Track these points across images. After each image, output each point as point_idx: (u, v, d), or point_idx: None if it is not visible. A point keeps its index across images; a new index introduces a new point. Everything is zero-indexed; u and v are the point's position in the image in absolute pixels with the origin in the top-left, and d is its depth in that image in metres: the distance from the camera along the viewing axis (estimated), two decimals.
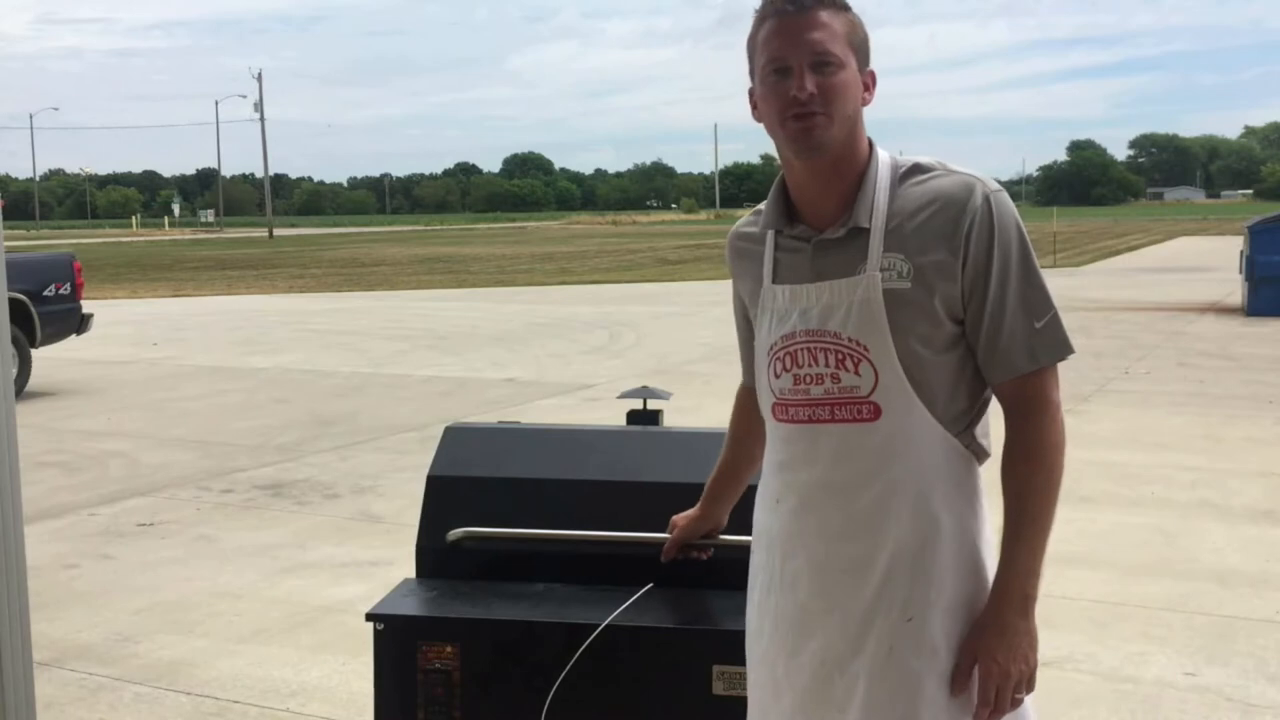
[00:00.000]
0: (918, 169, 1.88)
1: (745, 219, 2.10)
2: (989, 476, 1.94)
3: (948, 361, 1.85)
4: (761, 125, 1.92)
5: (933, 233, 1.82)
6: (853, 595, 1.87)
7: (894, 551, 1.84)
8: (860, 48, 1.87)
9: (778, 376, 1.93)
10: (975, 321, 1.84)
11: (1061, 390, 1.89)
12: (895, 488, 1.84)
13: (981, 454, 1.92)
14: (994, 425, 1.94)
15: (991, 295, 1.82)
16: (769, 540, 2.00)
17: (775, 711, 1.99)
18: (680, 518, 2.49)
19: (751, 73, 1.91)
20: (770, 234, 1.98)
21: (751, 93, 1.93)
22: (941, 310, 1.82)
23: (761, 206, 2.02)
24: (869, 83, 1.90)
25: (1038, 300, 1.84)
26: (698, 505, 2.45)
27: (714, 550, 2.51)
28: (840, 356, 1.85)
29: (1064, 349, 1.86)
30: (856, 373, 1.84)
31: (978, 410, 1.90)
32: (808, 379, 1.89)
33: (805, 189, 1.91)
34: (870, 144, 1.92)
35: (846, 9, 1.87)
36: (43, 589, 5.16)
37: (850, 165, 1.88)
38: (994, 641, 1.81)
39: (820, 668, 1.90)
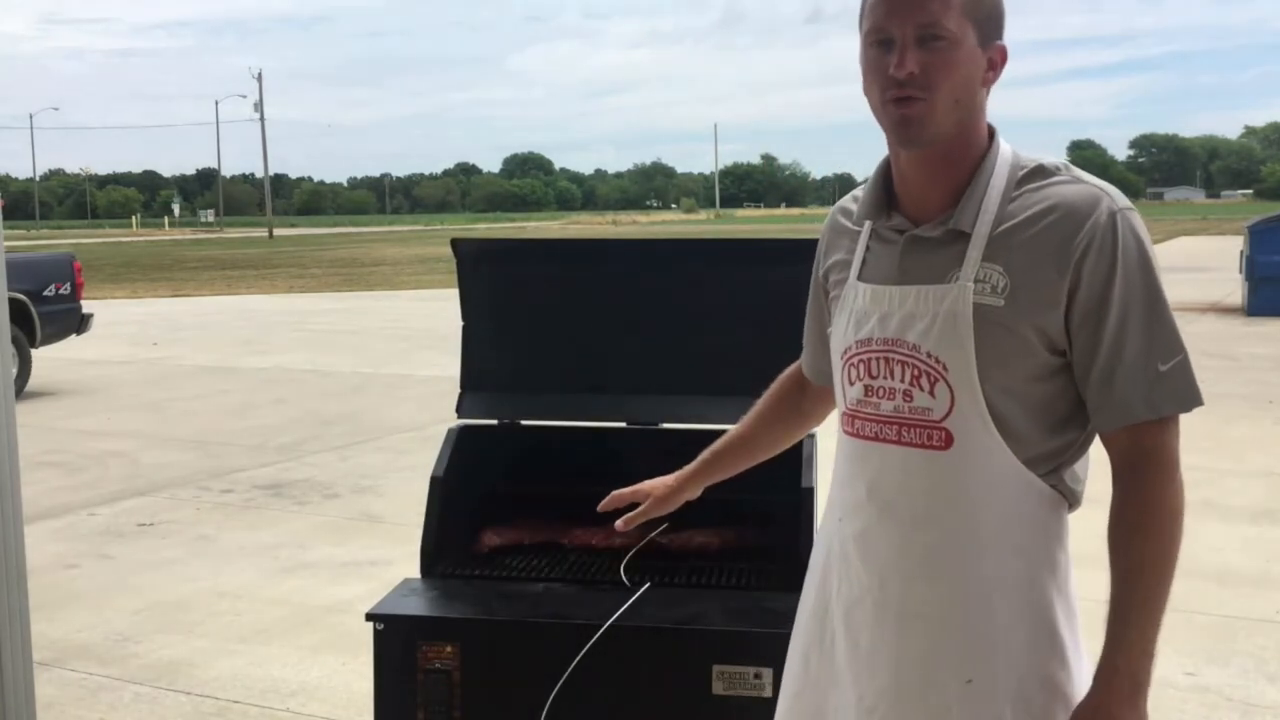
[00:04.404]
0: (1040, 171, 1.64)
1: (853, 193, 1.86)
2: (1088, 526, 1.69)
3: (1039, 394, 1.61)
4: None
5: (1042, 247, 1.58)
6: (908, 642, 1.66)
7: (954, 600, 1.63)
8: (985, 19, 1.61)
9: (851, 384, 1.73)
10: (1086, 358, 1.58)
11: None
12: (960, 528, 1.62)
13: (1073, 499, 1.67)
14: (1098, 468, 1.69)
15: (1109, 330, 1.56)
16: (827, 557, 1.82)
17: None
18: (651, 496, 2.18)
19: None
20: (866, 224, 1.76)
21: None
22: (1035, 337, 1.58)
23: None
24: (996, 59, 1.64)
25: (1165, 340, 1.58)
26: (676, 477, 2.17)
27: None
28: (915, 372, 1.63)
29: (1193, 399, 1.60)
30: (931, 393, 1.62)
31: (1073, 452, 1.66)
32: (879, 392, 1.67)
33: (909, 178, 1.69)
34: (992, 133, 1.68)
35: None
36: (43, 589, 5.15)
37: (963, 157, 1.65)
38: None
39: (869, 714, 1.70)
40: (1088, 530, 1.66)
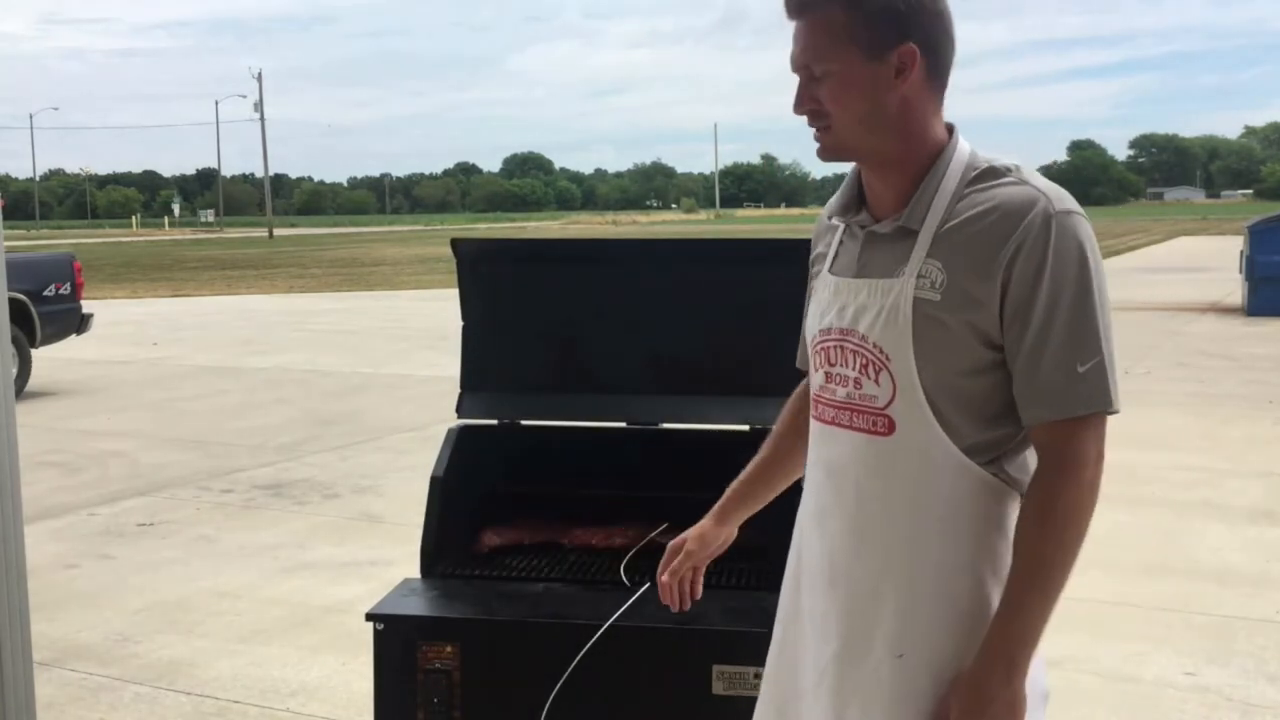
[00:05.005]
0: (990, 172, 1.69)
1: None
2: None
3: (972, 387, 1.67)
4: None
5: (978, 246, 1.64)
6: (852, 614, 1.76)
7: (890, 578, 1.72)
8: (870, 32, 1.65)
9: (816, 371, 1.84)
10: (1013, 354, 1.65)
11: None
12: (900, 510, 1.70)
13: (1020, 488, 1.71)
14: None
15: (1033, 330, 1.62)
16: (798, 535, 1.91)
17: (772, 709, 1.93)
18: (687, 539, 2.13)
19: None
20: (840, 221, 1.85)
21: None
22: (966, 332, 1.65)
23: None
24: (907, 63, 1.66)
25: (1087, 342, 1.62)
26: (710, 516, 2.14)
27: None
28: (864, 361, 1.72)
29: (1103, 401, 1.63)
30: (876, 381, 1.71)
31: (1016, 444, 1.71)
32: (836, 379, 1.78)
33: (868, 180, 1.78)
34: (952, 131, 1.74)
35: None
36: (43, 589, 5.15)
37: (909, 160, 1.71)
38: (967, 704, 1.65)
39: (819, 678, 1.80)
40: None
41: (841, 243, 1.84)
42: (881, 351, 1.70)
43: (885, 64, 1.66)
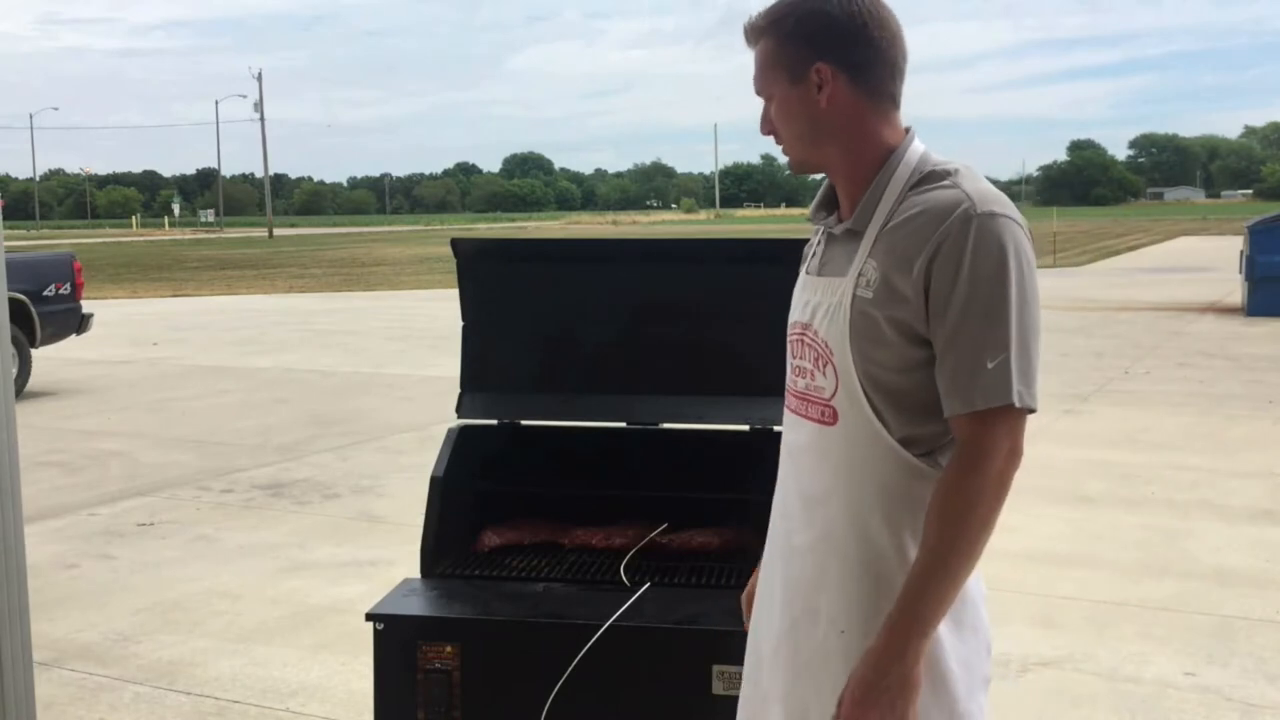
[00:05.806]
0: (931, 176, 1.77)
1: None
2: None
3: (906, 383, 1.75)
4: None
5: (905, 247, 1.72)
6: (800, 592, 1.86)
7: (832, 560, 1.81)
8: (788, 55, 1.80)
9: (788, 361, 1.95)
10: (936, 350, 1.73)
11: (1026, 433, 1.72)
12: (840, 496, 1.80)
13: None
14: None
15: (948, 324, 1.69)
16: (772, 517, 2.00)
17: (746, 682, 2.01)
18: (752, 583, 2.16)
19: None
20: (814, 223, 1.97)
21: None
22: (892, 329, 1.73)
23: None
24: (825, 77, 1.78)
25: (994, 337, 1.67)
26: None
27: None
28: (816, 355, 1.84)
29: (1004, 395, 1.67)
30: (824, 374, 1.82)
31: (952, 438, 1.76)
32: (798, 371, 1.90)
33: (835, 184, 1.89)
34: (908, 136, 1.82)
35: (771, 26, 1.81)
36: (43, 589, 5.16)
37: (858, 167, 1.82)
38: (861, 677, 1.71)
39: (776, 646, 1.90)
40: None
41: (819, 243, 1.95)
42: (827, 346, 1.81)
43: (806, 84, 1.80)
